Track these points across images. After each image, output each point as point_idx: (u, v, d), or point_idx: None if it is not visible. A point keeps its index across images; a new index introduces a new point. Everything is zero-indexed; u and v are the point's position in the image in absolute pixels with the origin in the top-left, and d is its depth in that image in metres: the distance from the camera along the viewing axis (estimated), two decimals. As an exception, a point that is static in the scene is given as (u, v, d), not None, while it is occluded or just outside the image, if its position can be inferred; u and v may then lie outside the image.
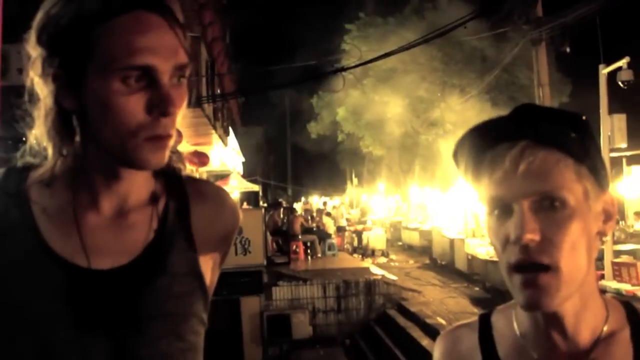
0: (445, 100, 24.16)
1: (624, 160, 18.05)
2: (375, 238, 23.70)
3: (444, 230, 19.86)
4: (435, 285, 16.44)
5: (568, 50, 14.25)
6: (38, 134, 1.20)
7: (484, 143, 1.09)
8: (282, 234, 19.33)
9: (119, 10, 1.10)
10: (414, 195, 30.28)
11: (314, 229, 20.62)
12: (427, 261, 21.03)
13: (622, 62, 10.90)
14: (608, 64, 11.36)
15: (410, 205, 30.90)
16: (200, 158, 20.17)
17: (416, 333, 11.38)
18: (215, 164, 24.20)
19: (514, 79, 21.10)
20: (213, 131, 17.92)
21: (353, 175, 45.48)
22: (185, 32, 1.18)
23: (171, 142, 1.17)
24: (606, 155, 12.19)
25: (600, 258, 14.23)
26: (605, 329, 1.11)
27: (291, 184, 52.16)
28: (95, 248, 1.21)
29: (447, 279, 17.20)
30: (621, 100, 12.87)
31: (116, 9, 1.10)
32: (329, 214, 24.06)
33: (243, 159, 32.07)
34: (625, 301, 1.18)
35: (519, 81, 20.78)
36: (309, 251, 19.10)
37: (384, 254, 22.88)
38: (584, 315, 1.09)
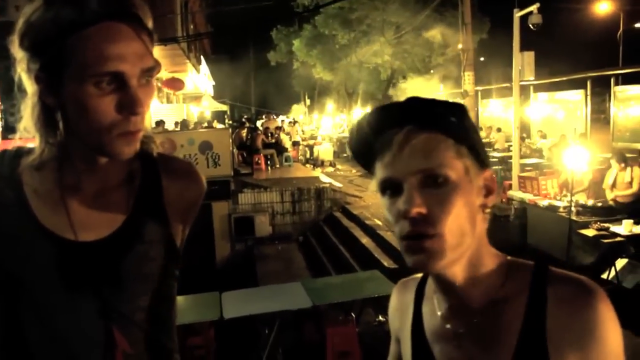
0: (384, 35, 23.86)
1: (531, 88, 18.23)
2: (325, 151, 23.70)
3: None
4: (373, 191, 16.51)
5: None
6: (27, 125, 1.18)
7: (374, 130, 1.04)
8: (246, 148, 19.18)
9: (92, 21, 1.07)
10: (358, 114, 30.23)
11: (273, 144, 20.49)
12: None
13: (533, 7, 10.87)
14: (521, 8, 11.29)
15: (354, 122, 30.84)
16: (176, 84, 19.76)
17: (357, 232, 11.49)
18: (189, 88, 23.79)
19: (442, 18, 20.78)
20: (187, 61, 17.47)
21: (306, 97, 45.17)
22: (153, 36, 1.15)
23: (141, 134, 1.16)
24: (517, 85, 12.29)
25: (509, 169, 14.57)
26: (499, 293, 1.04)
27: (254, 104, 51.54)
28: (81, 223, 1.21)
29: (383, 186, 17.30)
30: (530, 39, 12.84)
31: (89, 20, 1.07)
32: (283, 130, 23.92)
33: (213, 83, 31.50)
34: (541, 265, 1.06)
35: (447, 19, 20.48)
36: (269, 163, 19.02)
37: (332, 164, 22.92)
38: (475, 279, 1.04)
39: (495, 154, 17.30)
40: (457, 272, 1.03)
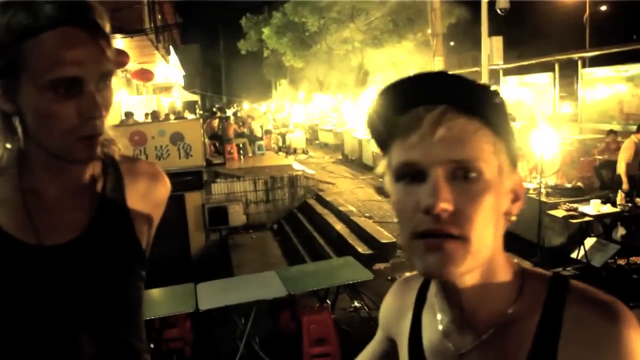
0: (354, 21, 23.84)
1: (501, 72, 18.39)
2: (297, 139, 23.68)
3: (354, 132, 19.95)
4: (346, 177, 16.60)
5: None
6: None
7: (401, 102, 0.87)
8: (218, 138, 19.08)
9: (47, 26, 1.05)
10: (328, 102, 30.25)
11: (245, 133, 20.39)
12: (340, 157, 21.15)
13: (501, -8, 10.92)
14: (489, -8, 11.37)
15: (325, 110, 30.89)
16: (145, 74, 19.56)
17: (331, 219, 11.51)
18: (159, 79, 23.54)
19: (412, 4, 20.82)
20: (156, 52, 17.26)
21: (278, 85, 44.98)
22: (110, 40, 1.13)
23: (101, 138, 1.14)
24: (486, 69, 12.38)
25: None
26: (509, 311, 0.90)
27: (225, 93, 51.21)
28: (44, 228, 1.18)
29: (356, 172, 17.35)
30: (499, 24, 12.95)
31: (44, 25, 1.05)
32: (253, 118, 23.84)
33: (184, 73, 31.20)
34: (560, 279, 0.92)
35: (416, 5, 20.52)
36: (241, 152, 18.91)
37: (304, 151, 22.93)
38: (486, 293, 0.90)
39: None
40: (468, 282, 0.88)
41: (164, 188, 1.37)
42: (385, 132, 0.90)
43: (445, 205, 0.80)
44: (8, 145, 1.15)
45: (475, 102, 0.85)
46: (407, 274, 1.17)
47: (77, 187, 1.23)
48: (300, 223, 12.67)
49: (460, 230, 0.81)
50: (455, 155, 0.82)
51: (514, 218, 0.90)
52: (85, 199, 1.24)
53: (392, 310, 1.13)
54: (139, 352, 1.30)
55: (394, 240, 9.25)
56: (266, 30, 30.17)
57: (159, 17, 19.17)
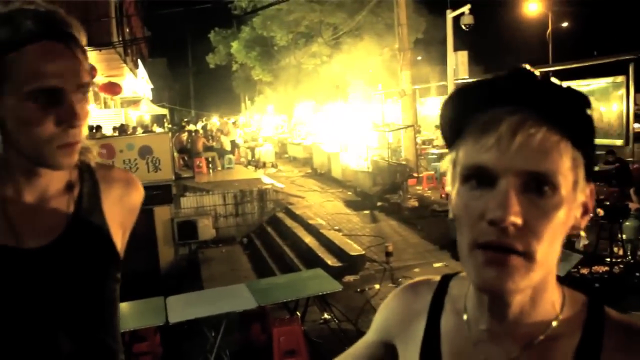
0: (322, 36, 24.03)
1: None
2: (266, 152, 23.65)
3: (322, 145, 20.04)
4: (315, 191, 16.65)
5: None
6: None
7: (481, 101, 0.83)
8: (187, 152, 19.02)
9: (28, 40, 1.12)
10: (298, 115, 30.34)
11: (214, 147, 20.35)
12: (309, 170, 21.20)
13: (465, 9, 11.16)
14: (454, 9, 11.58)
15: (295, 124, 30.98)
16: (113, 88, 19.42)
17: (301, 232, 11.53)
18: (127, 93, 23.38)
19: (379, 19, 21.10)
20: (124, 65, 17.17)
21: (246, 99, 44.94)
22: (86, 54, 1.20)
23: (80, 146, 1.20)
24: (451, 84, 12.60)
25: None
26: (551, 328, 0.87)
27: (194, 107, 50.98)
28: (23, 231, 1.23)
29: (325, 186, 17.42)
30: (464, 39, 13.21)
31: (26, 39, 1.12)
32: (222, 132, 23.81)
33: (152, 87, 31.03)
34: (598, 303, 0.90)
35: (383, 20, 20.81)
36: (210, 166, 18.88)
37: (273, 165, 22.92)
38: (532, 309, 0.86)
39: (434, 150, 17.70)
40: (519, 297, 0.84)
41: (138, 194, 1.42)
42: (458, 128, 0.85)
43: (514, 219, 0.75)
44: None
45: (561, 112, 0.78)
46: (413, 280, 1.12)
47: (55, 192, 1.28)
48: (269, 237, 12.67)
49: (526, 247, 0.77)
50: (532, 166, 0.77)
51: (582, 233, 0.88)
52: (62, 204, 1.29)
53: (398, 315, 1.08)
54: (115, 352, 1.34)
55: (363, 252, 9.33)
56: (235, 44, 30.23)
57: (127, 30, 19.04)
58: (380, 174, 14.10)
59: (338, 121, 18.42)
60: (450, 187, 0.87)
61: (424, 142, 20.08)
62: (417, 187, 14.90)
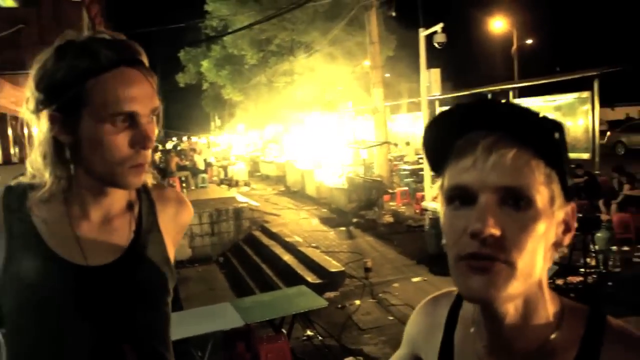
0: (293, 55, 24.19)
1: (437, 103, 18.98)
2: (239, 171, 23.71)
3: (296, 163, 20.13)
4: (290, 208, 16.69)
5: (394, 14, 14.67)
6: (33, 159, 1.27)
7: (458, 127, 0.89)
8: (159, 171, 18.88)
9: (107, 67, 1.20)
10: (269, 134, 30.44)
11: (188, 166, 20.28)
12: (283, 188, 21.26)
13: (438, 27, 11.38)
14: (426, 27, 11.83)
15: (266, 141, 31.05)
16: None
17: (278, 250, 11.57)
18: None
19: (350, 37, 21.33)
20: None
21: (216, 118, 44.84)
22: (155, 78, 1.27)
23: (147, 166, 1.29)
24: (425, 101, 12.82)
25: (420, 181, 15.12)
26: (547, 344, 0.90)
27: (163, 126, 50.69)
28: (90, 249, 1.30)
29: (300, 203, 17.48)
30: (433, 55, 13.43)
31: (106, 66, 1.19)
32: (196, 151, 23.75)
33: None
34: (599, 315, 0.92)
35: (354, 38, 21.04)
36: (184, 185, 18.81)
37: (246, 184, 22.95)
38: (526, 323, 0.89)
39: (406, 166, 17.91)
40: (511, 310, 0.88)
41: (188, 213, 1.53)
42: (441, 155, 0.92)
43: (492, 230, 0.81)
44: (58, 173, 1.25)
45: (530, 133, 0.85)
46: (435, 294, 1.16)
47: (118, 211, 1.37)
48: (246, 255, 12.67)
49: (506, 256, 0.82)
50: (505, 182, 0.83)
51: (564, 250, 0.91)
52: (125, 222, 1.37)
53: (421, 328, 1.13)
54: None
55: (343, 269, 9.41)
56: (205, 63, 30.18)
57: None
58: (356, 191, 14.22)
59: (311, 139, 18.54)
60: (440, 210, 0.92)
61: (395, 159, 20.30)
62: (391, 203, 15.06)
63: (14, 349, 1.29)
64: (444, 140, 0.91)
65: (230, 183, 23.00)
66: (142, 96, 1.23)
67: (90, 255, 1.29)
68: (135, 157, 1.24)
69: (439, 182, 0.93)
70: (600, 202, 10.50)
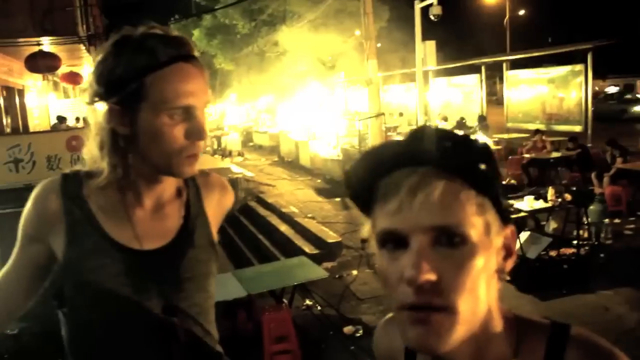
0: (285, 24, 24.01)
1: (430, 74, 19.06)
2: (232, 141, 23.66)
3: (290, 133, 20.13)
4: (285, 179, 16.75)
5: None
6: (90, 148, 1.36)
7: (380, 168, 0.86)
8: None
9: (166, 63, 1.27)
10: (263, 104, 30.37)
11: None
12: (276, 159, 21.29)
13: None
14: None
15: (259, 112, 31.00)
16: (75, 78, 19.07)
17: (275, 221, 11.66)
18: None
19: (343, 7, 21.19)
20: (86, 54, 16.91)
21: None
22: (207, 74, 1.36)
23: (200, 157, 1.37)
24: (420, 73, 12.86)
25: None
26: None
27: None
28: (144, 234, 1.38)
29: (294, 174, 17.54)
30: (425, 26, 13.41)
31: (164, 62, 1.27)
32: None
33: (111, 76, 30.47)
34: (560, 328, 0.89)
35: (347, 9, 20.90)
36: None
37: (240, 154, 22.94)
38: (480, 357, 0.86)
39: (399, 137, 17.95)
40: (461, 349, 0.83)
41: (230, 197, 1.63)
42: (366, 197, 0.88)
43: (427, 276, 0.77)
44: (114, 162, 1.33)
45: (458, 166, 0.82)
46: (389, 316, 1.11)
47: (169, 198, 1.46)
48: (243, 226, 12.74)
49: (445, 302, 0.78)
50: (436, 222, 0.79)
51: (507, 277, 0.87)
52: (175, 208, 1.46)
53: (384, 352, 1.10)
54: (216, 341, 1.51)
55: (340, 239, 9.54)
56: (196, 32, 29.89)
57: (91, 19, 18.74)
58: (351, 162, 14.25)
59: (304, 109, 18.52)
60: (375, 252, 0.88)
61: (388, 130, 20.37)
62: (385, 174, 15.11)
63: (74, 328, 1.37)
64: (368, 182, 0.88)
65: (224, 153, 22.99)
66: (197, 91, 1.30)
67: (145, 240, 1.38)
68: (191, 147, 1.32)
69: (368, 224, 0.89)
70: (593, 175, 10.66)
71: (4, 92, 16.02)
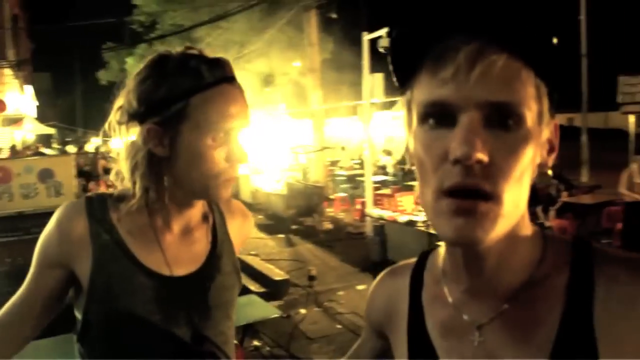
0: (226, 54, 24.02)
1: (373, 107, 19.38)
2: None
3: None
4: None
5: (335, 16, 14.88)
6: (120, 170, 1.36)
7: (435, 28, 0.76)
8: (85, 175, 18.42)
9: (212, 84, 1.29)
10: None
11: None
12: (214, 193, 21.05)
13: (382, 32, 11.62)
14: (370, 31, 12.08)
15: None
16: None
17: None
18: (10, 110, 22.30)
19: (287, 38, 21.42)
20: (12, 79, 16.52)
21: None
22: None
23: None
24: (368, 106, 13.06)
25: (357, 187, 15.35)
26: (534, 274, 0.84)
27: (81, 125, 49.24)
28: (173, 260, 1.39)
29: (234, 209, 17.34)
30: (379, 61, 13.68)
31: (209, 83, 1.29)
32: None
33: (37, 103, 29.78)
34: (582, 242, 0.86)
35: (292, 40, 21.14)
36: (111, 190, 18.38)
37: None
38: (509, 257, 0.83)
39: (342, 172, 18.14)
40: (492, 248, 0.80)
41: (251, 224, 1.67)
42: (411, 62, 0.80)
43: (480, 156, 0.71)
44: (148, 185, 1.33)
45: (522, 39, 0.74)
46: (391, 266, 1.11)
47: (196, 223, 1.47)
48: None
49: (493, 187, 0.73)
50: (494, 97, 0.73)
51: (550, 171, 0.90)
52: (202, 233, 1.47)
53: (380, 303, 1.08)
54: None
55: (287, 277, 9.48)
56: (130, 60, 29.54)
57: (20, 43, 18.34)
58: (295, 197, 14.33)
59: (246, 142, 18.47)
60: (407, 131, 0.84)
61: (332, 163, 20.53)
62: (329, 210, 15.23)
63: (99, 357, 1.35)
64: (417, 44, 0.78)
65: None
66: (240, 113, 1.33)
67: (174, 266, 1.39)
68: (230, 170, 1.34)
69: (404, 97, 0.84)
70: (539, 209, 11.02)
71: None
